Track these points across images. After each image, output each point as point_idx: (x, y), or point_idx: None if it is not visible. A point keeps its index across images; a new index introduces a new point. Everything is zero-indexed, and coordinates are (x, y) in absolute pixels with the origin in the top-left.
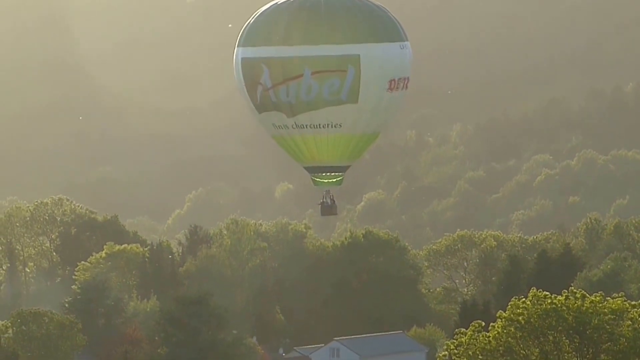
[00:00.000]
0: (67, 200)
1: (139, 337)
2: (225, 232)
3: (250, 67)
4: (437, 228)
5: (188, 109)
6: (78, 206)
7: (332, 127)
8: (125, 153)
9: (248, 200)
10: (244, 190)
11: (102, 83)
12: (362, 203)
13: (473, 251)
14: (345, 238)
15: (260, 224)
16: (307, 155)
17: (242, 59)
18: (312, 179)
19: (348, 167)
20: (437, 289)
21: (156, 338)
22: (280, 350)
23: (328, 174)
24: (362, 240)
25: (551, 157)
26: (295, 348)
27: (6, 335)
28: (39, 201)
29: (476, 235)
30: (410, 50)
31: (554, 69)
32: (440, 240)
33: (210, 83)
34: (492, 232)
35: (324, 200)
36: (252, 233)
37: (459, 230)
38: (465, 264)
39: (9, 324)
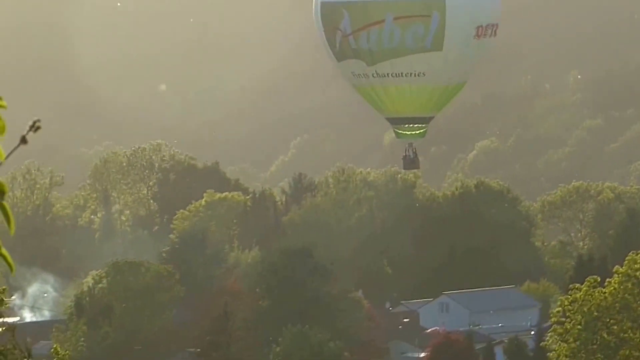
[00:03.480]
0: (166, 145)
1: (240, 289)
2: (331, 181)
3: (329, 12)
4: (552, 178)
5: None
6: (177, 152)
7: (414, 76)
8: (228, 100)
9: (356, 147)
10: (352, 137)
11: (206, 27)
12: (474, 152)
13: (589, 203)
14: (456, 188)
15: (368, 173)
16: (388, 105)
17: (322, 2)
18: (394, 130)
19: (432, 118)
20: (552, 243)
21: (257, 290)
22: (387, 305)
23: (410, 125)
24: (474, 190)
25: None
26: (402, 302)
27: (100, 285)
28: (136, 146)
29: (593, 187)
30: None
31: None
32: (555, 191)
33: None
34: (610, 184)
35: (407, 153)
36: (359, 182)
37: (574, 181)
38: (581, 216)
39: (104, 274)
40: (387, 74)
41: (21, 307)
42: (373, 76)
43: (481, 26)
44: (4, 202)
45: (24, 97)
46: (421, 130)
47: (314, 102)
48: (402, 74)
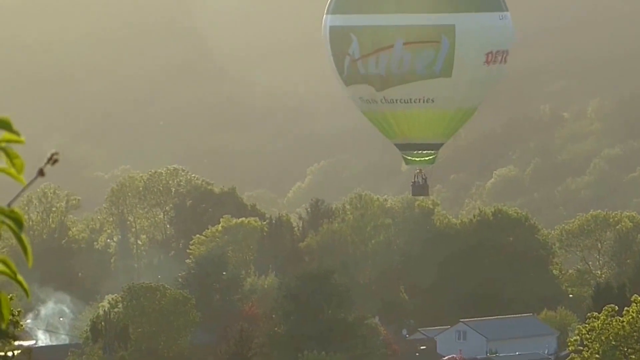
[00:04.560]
0: (183, 170)
1: (256, 314)
2: (348, 207)
3: (338, 36)
4: (570, 207)
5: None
6: (194, 177)
7: (424, 102)
8: (246, 123)
9: (373, 174)
10: (369, 163)
11: (226, 49)
12: (492, 179)
13: (608, 232)
14: (474, 216)
15: (386, 199)
16: (397, 131)
17: (331, 27)
18: (403, 157)
19: (441, 145)
20: (570, 271)
21: (274, 316)
22: (404, 332)
23: (420, 151)
24: (491, 218)
25: None
26: (419, 329)
27: (117, 309)
28: (153, 171)
29: (611, 216)
30: (511, 21)
31: None
32: (573, 219)
33: None
34: (629, 213)
35: (416, 179)
36: (376, 208)
37: (593, 210)
38: (599, 245)
39: (120, 298)
40: (396, 100)
41: (37, 331)
42: (382, 102)
43: (491, 52)
44: (22, 235)
45: (41, 120)
46: (431, 157)
47: (332, 127)
48: (411, 99)
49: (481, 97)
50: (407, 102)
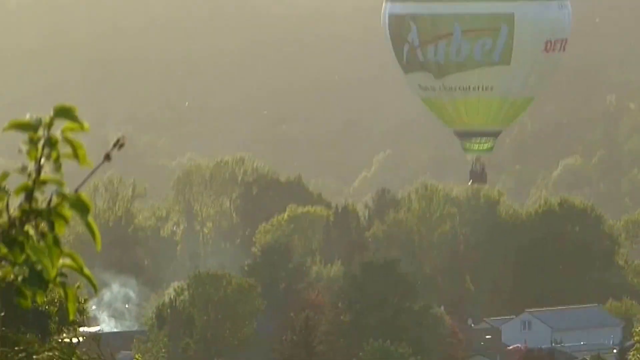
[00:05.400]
0: (249, 158)
1: (322, 302)
2: (414, 196)
3: (397, 24)
4: (636, 197)
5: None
6: (260, 165)
7: (482, 89)
8: (313, 110)
9: (439, 163)
10: (435, 153)
11: (294, 34)
12: (558, 169)
13: None
14: (540, 206)
15: (451, 189)
16: (455, 119)
17: (390, 15)
18: (461, 144)
19: (499, 132)
20: (635, 262)
21: (339, 304)
22: (469, 321)
23: (478, 139)
24: (557, 208)
25: None
26: (484, 319)
27: (182, 297)
28: (219, 159)
29: None
30: (570, 10)
31: None
32: (638, 210)
33: None
34: None
35: (474, 167)
36: (441, 198)
37: None
38: None
39: (186, 286)
40: (455, 87)
41: (103, 317)
42: (440, 89)
43: (550, 41)
44: (90, 219)
45: (107, 108)
46: (489, 144)
47: (397, 117)
48: (469, 87)
49: (540, 85)
50: (466, 89)
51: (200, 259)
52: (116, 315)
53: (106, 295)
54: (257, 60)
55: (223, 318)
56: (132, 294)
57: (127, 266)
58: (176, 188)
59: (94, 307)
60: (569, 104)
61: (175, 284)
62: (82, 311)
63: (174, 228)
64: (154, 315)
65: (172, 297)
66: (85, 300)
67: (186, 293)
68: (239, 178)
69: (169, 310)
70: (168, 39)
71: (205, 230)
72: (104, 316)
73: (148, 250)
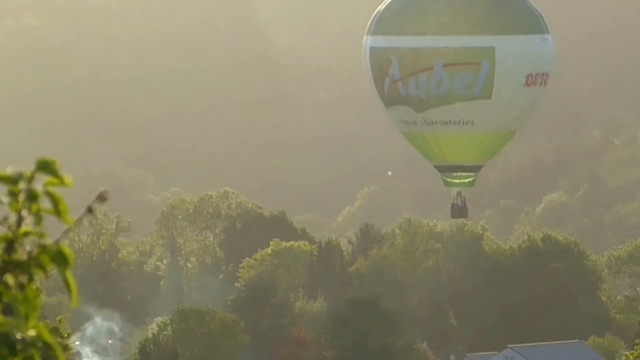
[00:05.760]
0: (233, 193)
1: (305, 338)
2: (398, 232)
3: (378, 57)
4: (619, 233)
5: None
6: (244, 200)
7: (463, 124)
8: (298, 148)
9: (423, 199)
10: (419, 188)
11: (282, 75)
12: (542, 205)
13: None
14: (523, 241)
15: (435, 224)
16: (437, 153)
17: (371, 48)
18: (442, 178)
19: (481, 167)
20: (618, 297)
21: (322, 340)
22: (452, 357)
23: (459, 174)
24: (540, 244)
25: None
26: (467, 355)
27: (165, 332)
28: (204, 194)
29: None
30: (552, 43)
31: None
32: (622, 246)
33: None
34: None
35: (455, 202)
36: (426, 233)
37: None
38: None
39: (169, 321)
40: (436, 121)
41: (86, 352)
42: (421, 123)
43: (531, 75)
44: (68, 274)
45: (93, 143)
46: (470, 179)
47: (380, 152)
48: (450, 121)
49: (521, 119)
50: (447, 123)
51: (184, 293)
52: (99, 350)
53: (89, 329)
54: (242, 103)
55: (206, 354)
56: (115, 328)
57: (110, 301)
58: (160, 222)
59: (77, 342)
60: (554, 140)
61: (159, 319)
62: (65, 347)
63: (158, 263)
64: (137, 351)
65: (155, 332)
66: (69, 335)
67: (169, 328)
68: (223, 213)
69: (152, 346)
70: (155, 87)
71: (189, 265)
72: (87, 351)
73: (132, 284)
